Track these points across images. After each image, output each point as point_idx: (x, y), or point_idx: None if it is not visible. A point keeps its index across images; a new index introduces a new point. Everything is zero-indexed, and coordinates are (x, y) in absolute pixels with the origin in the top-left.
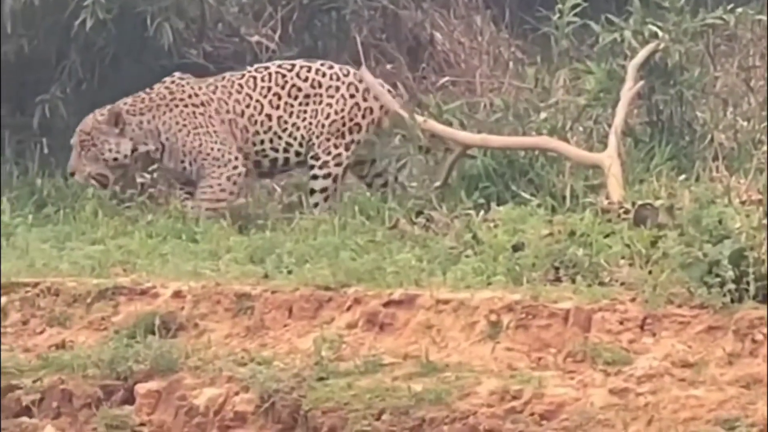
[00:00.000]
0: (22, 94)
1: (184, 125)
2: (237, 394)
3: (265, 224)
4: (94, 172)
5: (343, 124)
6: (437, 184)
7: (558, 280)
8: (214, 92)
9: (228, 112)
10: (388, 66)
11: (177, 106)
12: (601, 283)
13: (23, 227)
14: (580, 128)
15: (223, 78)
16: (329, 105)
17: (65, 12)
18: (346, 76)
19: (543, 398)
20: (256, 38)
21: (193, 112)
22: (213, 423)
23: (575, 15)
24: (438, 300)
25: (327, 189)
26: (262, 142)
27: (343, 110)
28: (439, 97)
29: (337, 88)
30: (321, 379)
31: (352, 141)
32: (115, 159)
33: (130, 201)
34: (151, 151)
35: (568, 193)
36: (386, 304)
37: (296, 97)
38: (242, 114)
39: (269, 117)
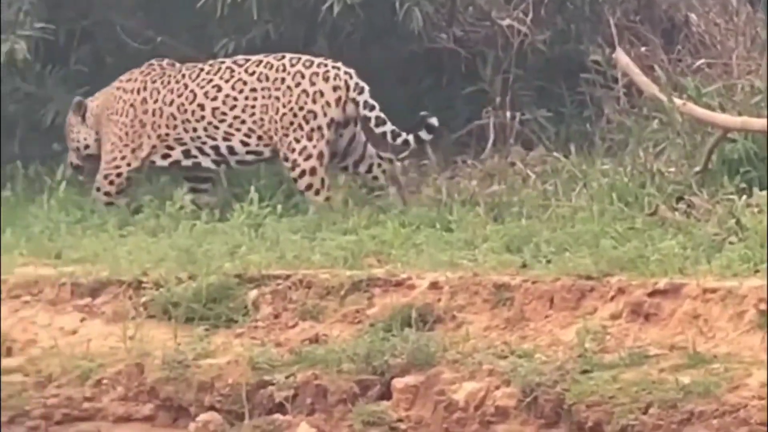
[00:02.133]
0: None
1: (105, 108)
2: (498, 388)
3: (520, 212)
4: (74, 162)
5: (294, 115)
6: (697, 168)
7: None
8: (154, 81)
9: (156, 101)
10: (643, 48)
11: (114, 88)
12: None
13: (272, 218)
14: None
15: (179, 67)
16: (277, 98)
17: None
18: (293, 66)
19: None
20: (507, 22)
21: (119, 98)
22: (473, 418)
23: None
24: (704, 289)
25: (311, 185)
26: (195, 129)
27: (290, 101)
28: (695, 79)
29: (283, 80)
30: (585, 371)
31: (312, 129)
32: (78, 149)
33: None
34: None
35: None
36: (651, 294)
37: (241, 91)
38: (171, 103)
39: (201, 107)
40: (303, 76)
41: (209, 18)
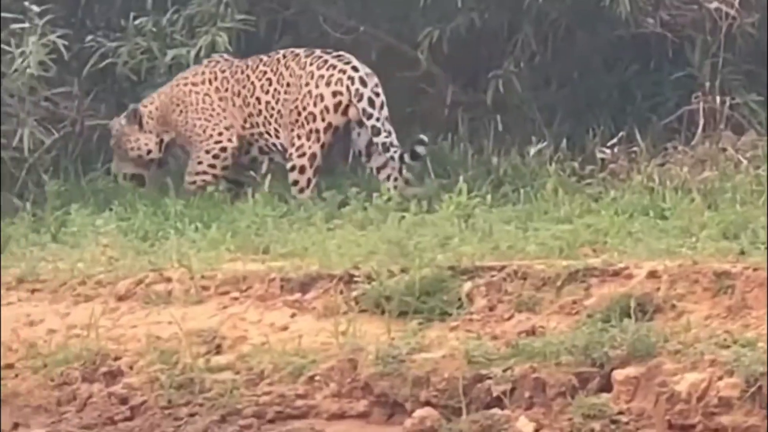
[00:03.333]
0: (474, 69)
1: (178, 104)
2: (721, 378)
3: (734, 198)
4: (130, 172)
5: (299, 114)
6: None
7: None
8: (222, 71)
9: (227, 90)
10: None
11: (177, 85)
12: None
13: (483, 208)
14: None
15: (245, 59)
16: (291, 93)
17: None
18: (311, 65)
19: None
20: (714, 5)
21: (190, 91)
22: (696, 410)
23: None
24: None
25: (298, 182)
26: (257, 124)
27: (296, 99)
28: None
29: (300, 77)
30: None
31: (311, 131)
32: (140, 156)
33: (590, 177)
34: (171, 138)
35: None
36: None
37: (283, 85)
38: (239, 94)
39: (258, 100)
40: (312, 77)
41: (412, 7)
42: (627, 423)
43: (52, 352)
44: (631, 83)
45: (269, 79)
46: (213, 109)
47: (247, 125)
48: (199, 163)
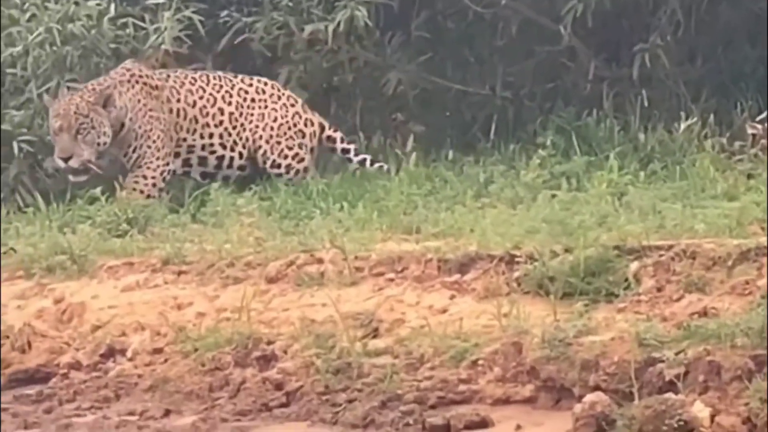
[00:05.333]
0: (618, 43)
1: (140, 104)
2: None
3: None
4: (93, 157)
5: (289, 128)
6: None
7: None
8: (167, 80)
9: (179, 101)
10: None
11: (137, 83)
12: None
13: (638, 186)
14: None
15: (175, 71)
16: (274, 110)
17: None
18: (284, 89)
19: None
20: None
21: (150, 93)
22: None
23: None
24: None
25: (299, 172)
26: (211, 135)
27: (286, 115)
28: None
29: (279, 97)
30: None
31: (300, 145)
32: (104, 143)
33: (741, 153)
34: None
35: None
36: None
37: (245, 99)
38: (194, 104)
39: (221, 111)
40: (296, 101)
41: None
42: None
43: (202, 336)
44: None
45: (228, 92)
46: (164, 123)
47: (196, 136)
48: (153, 185)
